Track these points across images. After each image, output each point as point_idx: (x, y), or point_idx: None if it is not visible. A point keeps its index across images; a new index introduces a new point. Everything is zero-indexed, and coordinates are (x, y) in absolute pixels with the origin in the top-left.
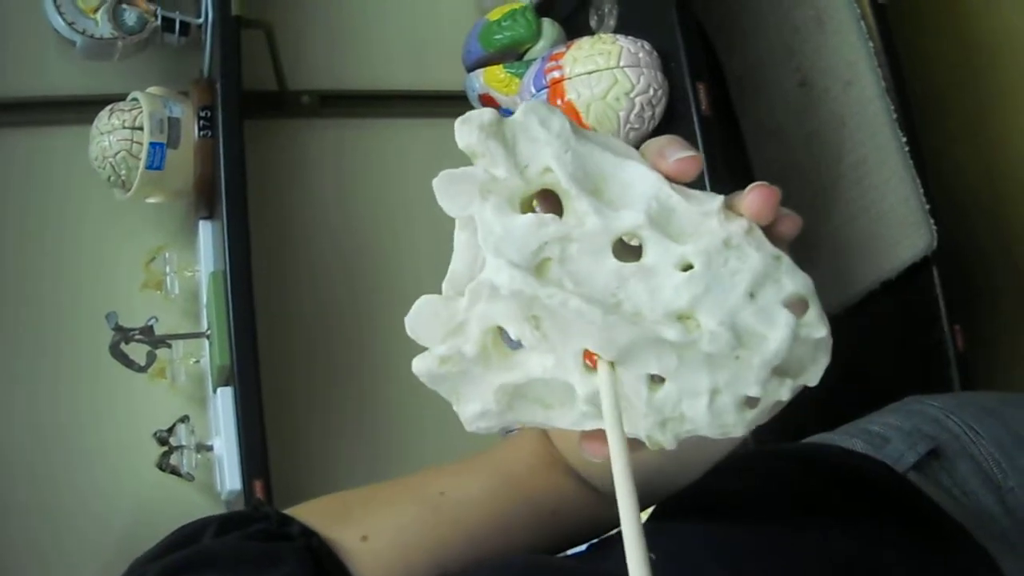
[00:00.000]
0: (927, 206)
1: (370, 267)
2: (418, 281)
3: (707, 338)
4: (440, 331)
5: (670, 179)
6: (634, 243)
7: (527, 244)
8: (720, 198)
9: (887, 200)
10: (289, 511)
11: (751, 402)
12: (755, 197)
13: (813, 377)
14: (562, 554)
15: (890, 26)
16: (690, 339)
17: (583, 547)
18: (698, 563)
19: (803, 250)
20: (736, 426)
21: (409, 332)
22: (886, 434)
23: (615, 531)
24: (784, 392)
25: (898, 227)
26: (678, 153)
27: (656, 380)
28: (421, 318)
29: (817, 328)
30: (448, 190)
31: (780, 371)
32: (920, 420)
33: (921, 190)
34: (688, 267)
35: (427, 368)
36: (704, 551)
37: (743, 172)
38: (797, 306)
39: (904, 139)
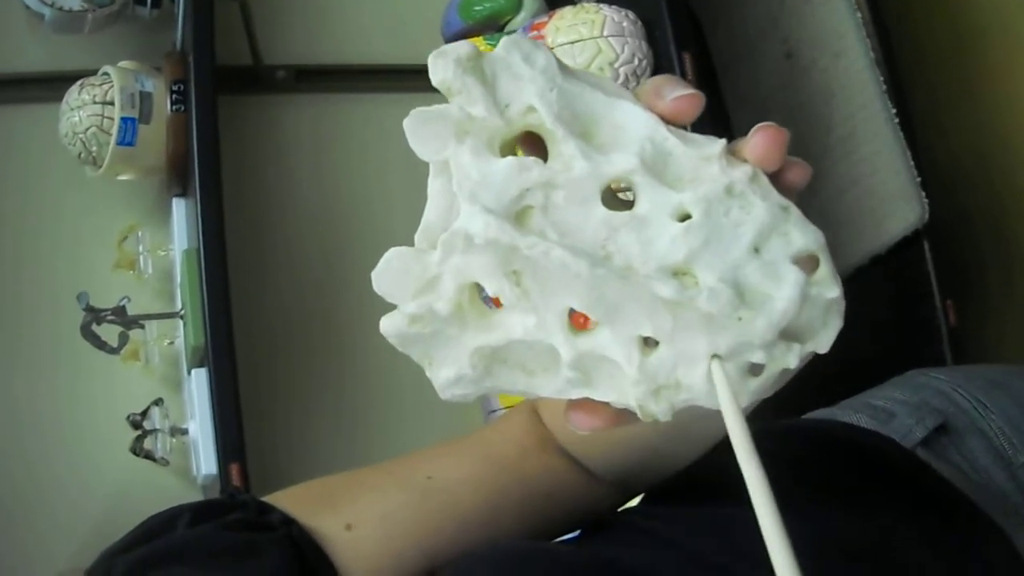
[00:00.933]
0: (918, 179)
1: (347, 245)
2: None
3: (706, 296)
4: (411, 287)
5: (667, 121)
6: (628, 194)
7: (507, 190)
8: (722, 141)
9: (877, 173)
10: (268, 499)
11: (755, 369)
12: (760, 139)
13: (824, 343)
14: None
15: None
16: (687, 296)
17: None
18: (698, 550)
19: None
20: (738, 396)
21: (376, 288)
22: (892, 409)
23: (611, 516)
24: (792, 359)
25: (888, 200)
26: (676, 91)
27: (649, 343)
28: (390, 273)
29: (829, 287)
30: (420, 131)
31: (787, 335)
32: (927, 394)
33: (912, 163)
34: (685, 217)
35: (396, 328)
36: (703, 536)
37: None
38: (806, 262)
39: (894, 111)
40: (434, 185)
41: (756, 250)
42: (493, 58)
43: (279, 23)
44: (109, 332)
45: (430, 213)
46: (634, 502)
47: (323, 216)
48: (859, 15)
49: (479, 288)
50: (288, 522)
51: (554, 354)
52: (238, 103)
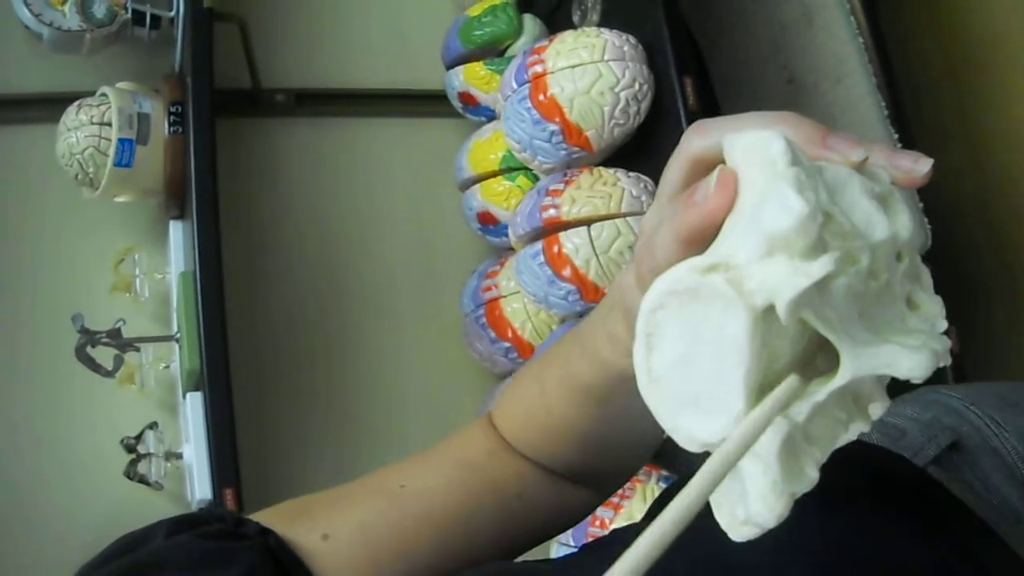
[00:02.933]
0: (920, 204)
1: (344, 271)
2: (394, 284)
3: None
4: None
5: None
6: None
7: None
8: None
9: None
10: (248, 516)
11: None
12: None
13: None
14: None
15: (880, 21)
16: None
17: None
18: (696, 559)
19: None
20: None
21: None
22: (903, 425)
23: (609, 536)
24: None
25: None
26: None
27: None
28: None
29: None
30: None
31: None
32: (939, 411)
33: (915, 188)
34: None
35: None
36: (705, 548)
37: None
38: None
39: (896, 136)
40: None
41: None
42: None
43: (279, 47)
44: (104, 355)
45: None
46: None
47: (320, 240)
48: (861, 40)
49: None
50: (264, 532)
51: None
52: (237, 126)
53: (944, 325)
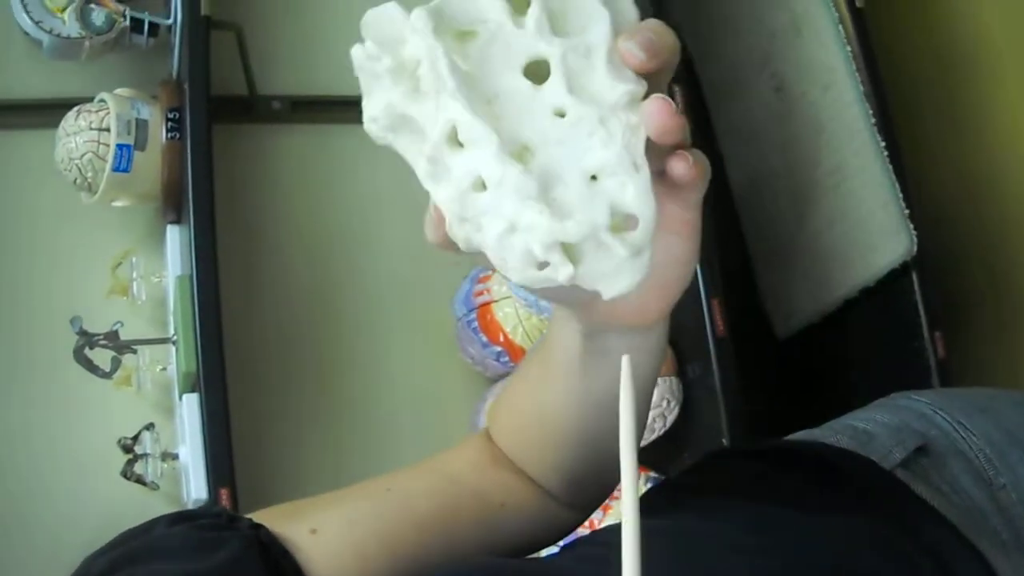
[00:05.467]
0: (906, 211)
1: (339, 274)
2: (388, 289)
3: (525, 175)
4: (387, 34)
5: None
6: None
7: (470, 10)
8: (640, 90)
9: (865, 205)
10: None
11: (539, 264)
12: (653, 107)
13: (606, 289)
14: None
15: (868, 30)
16: (516, 167)
17: (555, 549)
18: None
19: (780, 256)
20: (512, 271)
21: (364, 21)
22: (872, 430)
23: (587, 533)
24: (561, 274)
25: (877, 233)
26: (636, 44)
27: (481, 185)
28: (382, 17)
29: (627, 248)
30: None
31: (572, 255)
32: (908, 416)
33: (900, 195)
34: (561, 115)
35: (358, 57)
36: (670, 553)
37: (718, 178)
38: (627, 220)
39: (883, 143)
40: None
41: (592, 177)
42: None
43: (275, 54)
44: (102, 357)
45: None
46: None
47: (315, 246)
48: (849, 48)
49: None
50: (256, 527)
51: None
52: (233, 132)
53: None
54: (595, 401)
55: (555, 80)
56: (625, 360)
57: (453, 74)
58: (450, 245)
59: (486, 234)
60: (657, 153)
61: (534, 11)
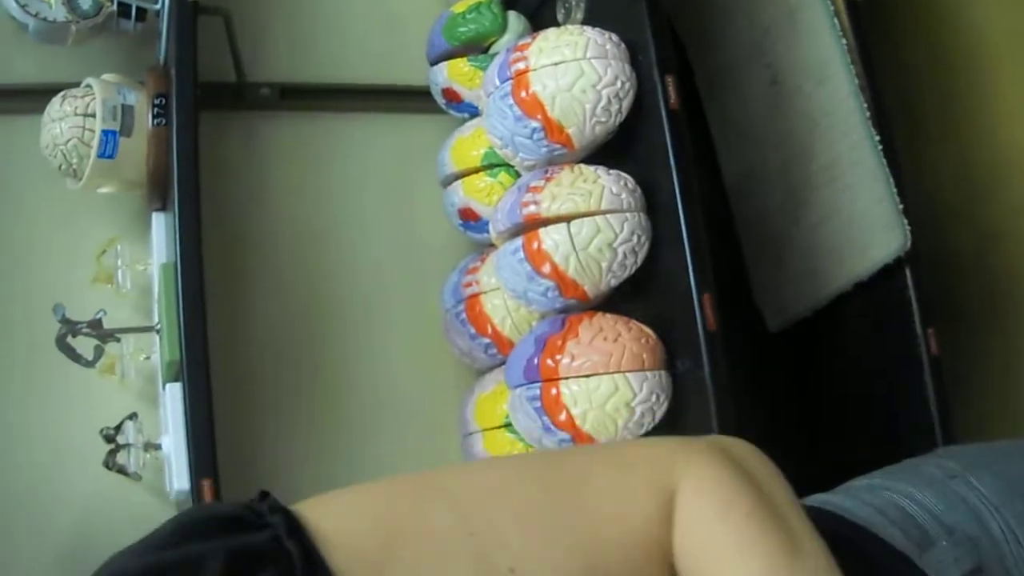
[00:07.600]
0: (900, 206)
1: (325, 263)
2: (376, 278)
3: None
4: None
5: None
6: None
7: None
8: None
9: (860, 200)
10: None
11: None
12: None
13: None
14: None
15: (863, 24)
16: None
17: None
18: None
19: (774, 250)
20: None
21: None
22: (923, 522)
23: None
24: None
25: (871, 228)
26: None
27: None
28: None
29: None
30: None
31: None
32: (962, 516)
33: (895, 190)
34: None
35: None
36: None
37: (712, 171)
38: None
39: (878, 138)
40: None
41: None
42: None
43: (263, 40)
44: (85, 345)
45: None
46: None
47: (302, 234)
48: (844, 42)
49: None
50: None
51: None
52: (221, 119)
53: None
54: None
55: None
56: None
57: None
58: None
59: None
60: None
61: None
